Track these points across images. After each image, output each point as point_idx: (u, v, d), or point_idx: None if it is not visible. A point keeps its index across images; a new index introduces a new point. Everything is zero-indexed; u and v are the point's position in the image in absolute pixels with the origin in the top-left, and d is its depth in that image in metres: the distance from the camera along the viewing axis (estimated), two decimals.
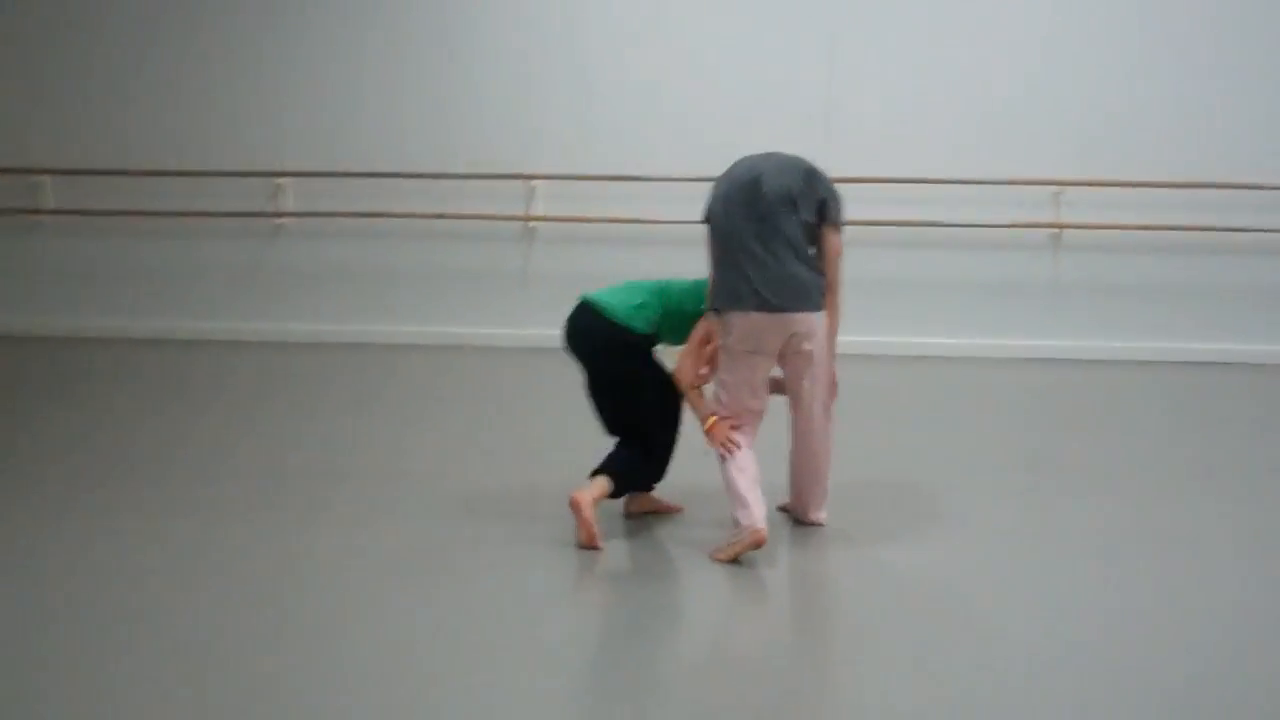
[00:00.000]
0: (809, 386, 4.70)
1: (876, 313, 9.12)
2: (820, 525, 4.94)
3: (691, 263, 4.65)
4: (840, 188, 4.70)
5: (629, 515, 5.05)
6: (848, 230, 4.71)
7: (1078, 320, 9.19)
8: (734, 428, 4.66)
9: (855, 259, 5.77)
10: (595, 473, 4.75)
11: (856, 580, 4.38)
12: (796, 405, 4.79)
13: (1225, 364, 8.96)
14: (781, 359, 4.67)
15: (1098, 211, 9.02)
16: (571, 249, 9.32)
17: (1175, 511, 5.15)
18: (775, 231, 4.54)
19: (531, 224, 9.37)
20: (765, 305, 4.52)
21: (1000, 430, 6.75)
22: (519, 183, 9.32)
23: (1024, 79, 9.05)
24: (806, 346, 4.61)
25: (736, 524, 4.55)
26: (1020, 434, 6.64)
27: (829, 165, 4.91)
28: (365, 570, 4.37)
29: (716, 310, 4.64)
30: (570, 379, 5.29)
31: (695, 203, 4.61)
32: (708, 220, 4.73)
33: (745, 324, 4.56)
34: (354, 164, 9.33)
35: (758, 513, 4.49)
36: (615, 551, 4.63)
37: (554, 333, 5.24)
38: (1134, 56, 9.02)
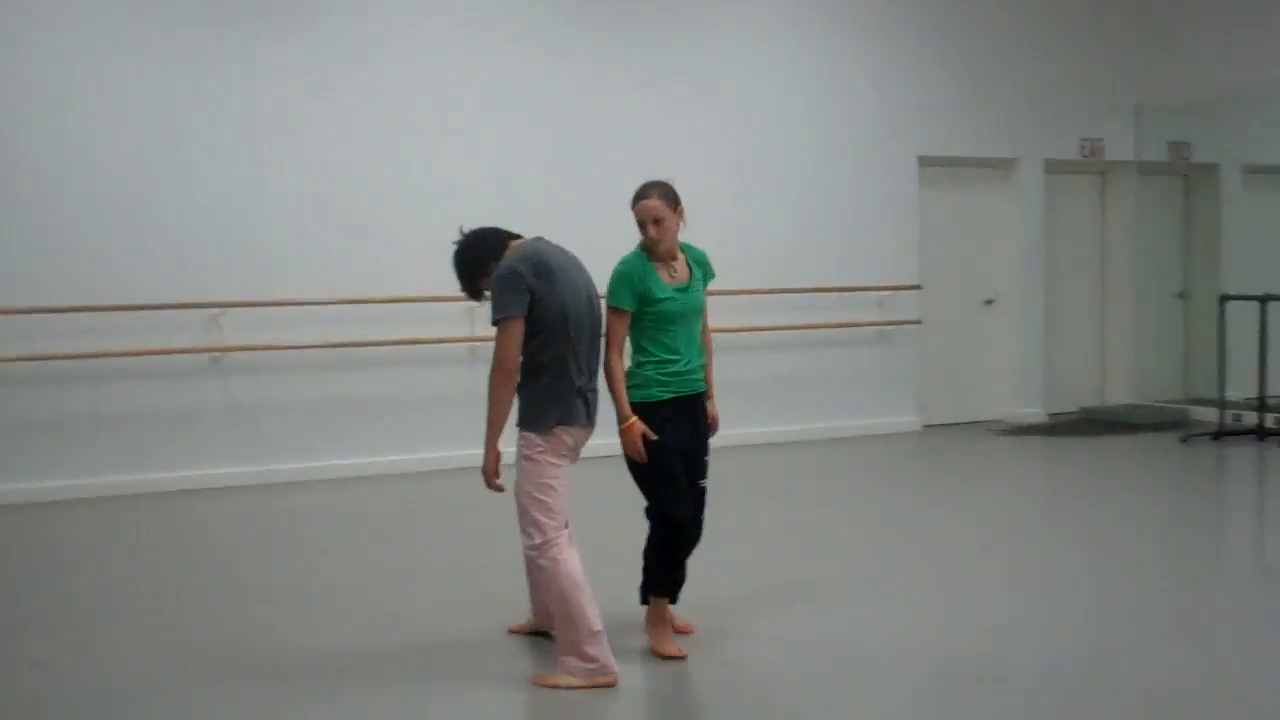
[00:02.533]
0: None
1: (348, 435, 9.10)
2: None
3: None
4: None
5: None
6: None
7: None
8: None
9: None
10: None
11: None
12: None
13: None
14: None
15: None
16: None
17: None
18: (598, 353, 4.82)
19: None
20: (591, 420, 4.76)
21: None
22: None
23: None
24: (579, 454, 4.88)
25: (583, 656, 4.56)
26: None
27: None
28: None
29: (550, 426, 4.64)
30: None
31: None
32: (533, 318, 4.62)
33: (579, 436, 4.73)
34: None
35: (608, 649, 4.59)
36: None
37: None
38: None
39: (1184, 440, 10.25)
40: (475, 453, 4.83)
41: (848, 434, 10.84)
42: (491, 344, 4.68)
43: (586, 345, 4.76)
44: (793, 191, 10.71)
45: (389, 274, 9.16)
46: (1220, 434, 10.26)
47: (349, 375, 9.18)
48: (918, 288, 11.08)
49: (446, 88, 9.47)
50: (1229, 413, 10.50)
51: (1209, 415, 11.22)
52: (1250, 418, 10.48)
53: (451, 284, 4.93)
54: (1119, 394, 12.30)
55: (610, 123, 9.97)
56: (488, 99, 9.59)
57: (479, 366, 7.09)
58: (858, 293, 10.87)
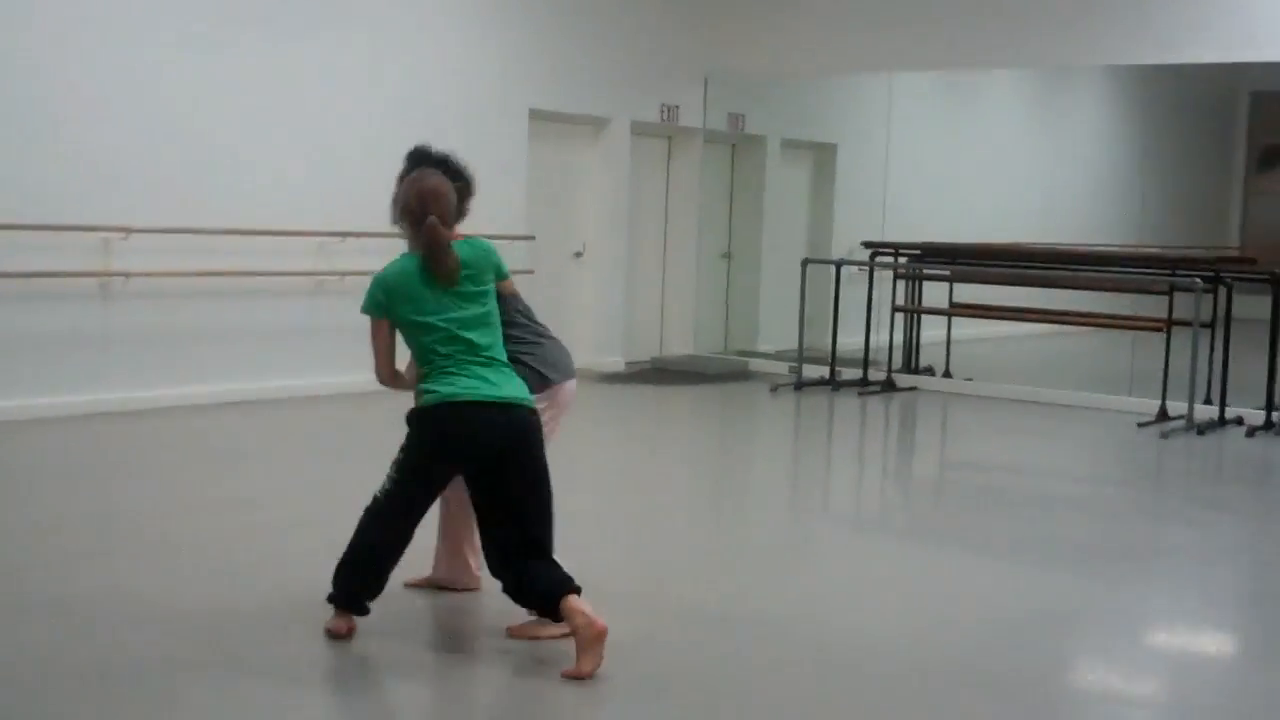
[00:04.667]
0: None
1: None
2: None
3: None
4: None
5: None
6: None
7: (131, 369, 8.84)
8: None
9: None
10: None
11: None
12: None
13: (287, 399, 9.43)
14: None
15: (156, 258, 8.78)
16: None
17: None
18: None
19: None
20: None
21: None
22: None
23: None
24: None
25: None
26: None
27: None
28: None
29: None
30: None
31: None
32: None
33: None
34: None
35: None
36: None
37: None
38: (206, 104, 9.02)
39: (774, 390, 11.21)
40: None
41: None
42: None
43: None
44: (407, 138, 10.45)
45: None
46: (800, 384, 11.32)
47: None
48: (531, 238, 11.25)
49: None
50: (788, 366, 11.71)
51: (765, 367, 12.39)
52: (810, 370, 11.66)
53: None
54: (677, 346, 13.15)
55: (228, 66, 9.30)
56: None
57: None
58: None
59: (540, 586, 4.30)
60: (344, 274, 9.80)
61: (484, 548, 4.46)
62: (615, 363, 12.29)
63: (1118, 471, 8.57)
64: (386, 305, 4.43)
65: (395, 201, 4.59)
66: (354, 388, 9.75)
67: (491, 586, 4.97)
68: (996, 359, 12.50)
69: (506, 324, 4.64)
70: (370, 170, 10.06)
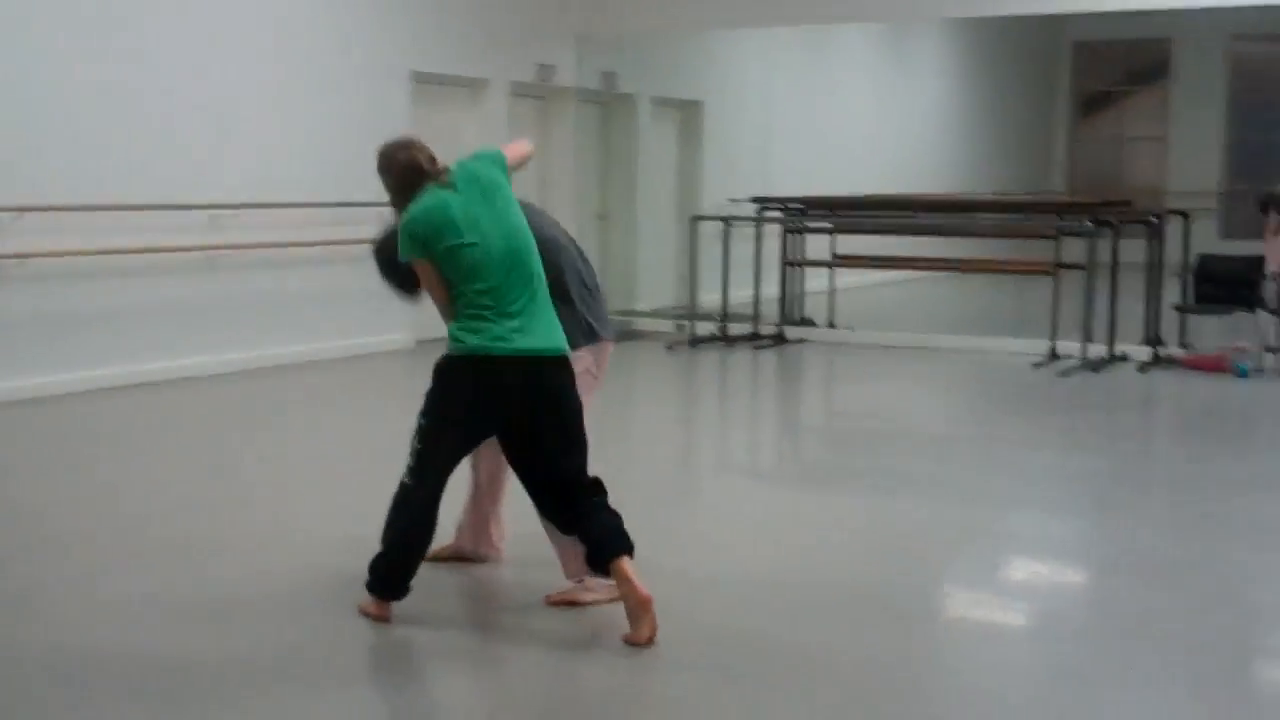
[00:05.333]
0: None
1: None
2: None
3: None
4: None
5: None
6: None
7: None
8: None
9: None
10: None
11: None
12: None
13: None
14: None
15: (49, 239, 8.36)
16: None
17: None
18: None
19: None
20: None
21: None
22: None
23: None
24: None
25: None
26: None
27: None
28: None
29: None
30: None
31: None
32: None
33: None
34: None
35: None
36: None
37: None
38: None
39: (669, 347, 11.27)
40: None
41: (344, 354, 10.61)
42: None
43: None
44: (293, 104, 10.21)
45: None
46: (695, 341, 11.40)
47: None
48: None
49: None
50: (675, 323, 11.85)
51: (650, 325, 12.47)
52: (703, 327, 11.76)
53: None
54: None
55: (114, 38, 8.88)
56: None
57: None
58: (355, 208, 10.59)
59: (595, 534, 4.23)
60: (237, 247, 9.51)
61: (533, 500, 4.35)
62: None
63: (1029, 407, 8.86)
64: (424, 241, 4.21)
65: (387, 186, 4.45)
66: (252, 364, 9.58)
67: (512, 558, 4.96)
68: (877, 307, 12.80)
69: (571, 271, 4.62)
70: (256, 138, 9.82)
